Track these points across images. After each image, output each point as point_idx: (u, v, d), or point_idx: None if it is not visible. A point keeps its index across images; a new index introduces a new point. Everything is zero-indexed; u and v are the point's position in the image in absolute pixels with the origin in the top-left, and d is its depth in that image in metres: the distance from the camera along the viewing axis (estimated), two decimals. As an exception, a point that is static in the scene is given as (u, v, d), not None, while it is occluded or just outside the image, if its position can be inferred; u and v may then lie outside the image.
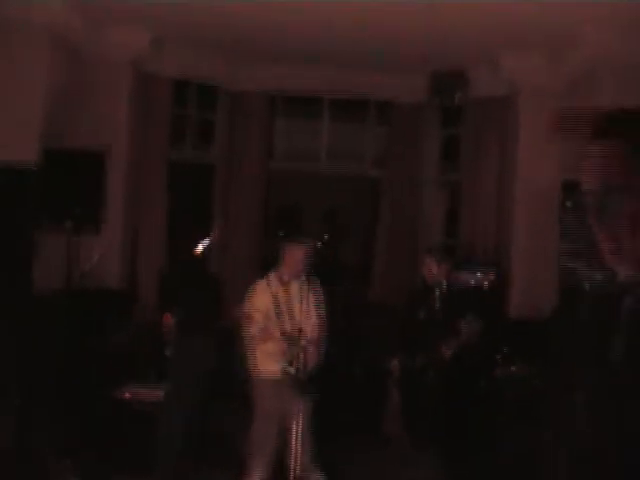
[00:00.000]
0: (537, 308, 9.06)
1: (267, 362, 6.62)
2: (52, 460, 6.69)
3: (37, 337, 7.18)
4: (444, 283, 7.97)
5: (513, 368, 8.19)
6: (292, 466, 6.18)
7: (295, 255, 6.66)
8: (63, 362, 7.35)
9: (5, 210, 7.15)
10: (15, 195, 7.35)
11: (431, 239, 10.96)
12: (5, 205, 7.16)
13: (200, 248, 10.67)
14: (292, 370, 6.42)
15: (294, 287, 6.70)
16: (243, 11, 8.47)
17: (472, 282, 9.43)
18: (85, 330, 7.92)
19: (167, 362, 7.23)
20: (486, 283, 9.50)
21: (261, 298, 6.64)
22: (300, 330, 6.45)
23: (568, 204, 7.27)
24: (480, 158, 10.48)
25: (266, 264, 10.97)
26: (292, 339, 6.51)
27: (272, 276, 6.70)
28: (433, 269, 7.92)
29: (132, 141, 9.75)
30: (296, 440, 6.18)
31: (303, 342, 6.55)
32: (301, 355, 6.51)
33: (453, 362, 7.59)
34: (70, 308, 7.63)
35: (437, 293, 7.88)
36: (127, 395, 7.97)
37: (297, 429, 6.24)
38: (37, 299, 7.60)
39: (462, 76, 10.19)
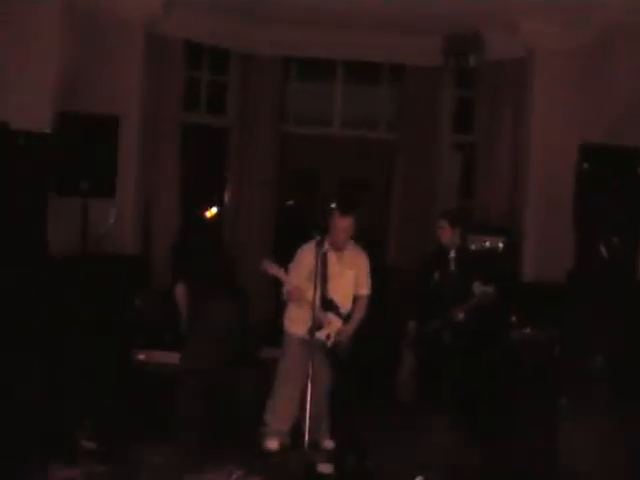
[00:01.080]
0: (551, 271, 9.04)
1: (299, 323, 6.79)
2: (71, 424, 6.73)
3: (53, 301, 7.19)
4: (458, 246, 7.98)
5: (527, 330, 8.19)
6: (307, 430, 6.19)
7: (342, 227, 6.85)
8: (79, 327, 7.37)
9: (20, 174, 7.13)
10: (30, 158, 7.34)
11: (446, 202, 10.94)
12: (20, 169, 7.15)
13: (212, 212, 10.74)
14: (322, 338, 6.50)
15: (344, 255, 6.93)
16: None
17: (487, 245, 9.41)
18: (100, 295, 7.94)
19: (182, 328, 7.24)
20: (501, 246, 9.49)
21: (308, 258, 6.65)
22: (334, 302, 6.73)
23: (585, 166, 7.21)
24: (495, 120, 10.43)
25: (279, 229, 11.10)
26: (330, 306, 6.73)
27: (321, 241, 6.60)
28: (447, 232, 7.92)
29: (145, 104, 9.72)
30: (313, 405, 6.19)
31: (340, 312, 6.68)
32: (334, 324, 6.61)
33: (467, 325, 7.60)
34: (85, 273, 7.64)
35: (452, 256, 7.89)
36: (141, 356, 8.01)
37: (317, 394, 6.27)
38: (52, 263, 7.61)
39: (477, 38, 10.11)
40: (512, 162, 10.21)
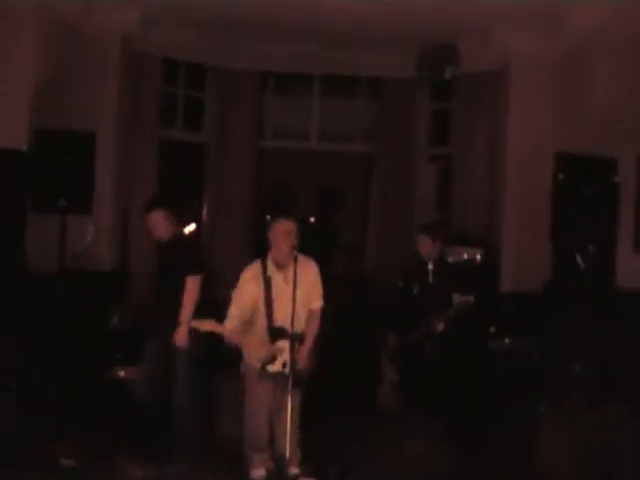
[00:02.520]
0: (529, 282, 9.09)
1: (255, 353, 6.42)
2: (50, 442, 6.68)
3: (31, 319, 7.17)
4: (437, 258, 8.00)
5: (506, 340, 8.22)
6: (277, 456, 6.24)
7: (282, 230, 6.38)
8: (57, 344, 7.33)
9: (-3, 191, 7.13)
10: (6, 176, 7.32)
11: (423, 214, 10.97)
12: (-4, 186, 7.15)
13: (190, 228, 10.72)
14: (279, 369, 6.27)
15: (290, 272, 6.36)
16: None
17: (464, 256, 9.45)
18: (78, 312, 7.91)
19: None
20: (478, 257, 9.52)
21: (250, 286, 6.41)
22: (288, 325, 6.28)
23: (560, 176, 7.27)
24: (471, 132, 10.51)
25: (257, 244, 11.08)
26: (278, 333, 6.32)
27: (265, 260, 6.45)
28: (428, 246, 7.93)
29: (122, 120, 9.72)
30: (283, 432, 6.12)
31: (294, 336, 6.38)
32: (289, 350, 6.35)
33: (446, 335, 7.62)
34: (63, 289, 7.61)
35: (430, 268, 7.91)
36: (121, 373, 7.98)
37: (285, 421, 6.13)
38: (31, 280, 7.58)
39: (452, 50, 10.16)
40: (488, 174, 10.28)
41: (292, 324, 6.27)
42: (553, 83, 9.49)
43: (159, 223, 7.02)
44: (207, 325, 6.32)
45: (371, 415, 8.09)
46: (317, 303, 6.59)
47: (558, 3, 8.33)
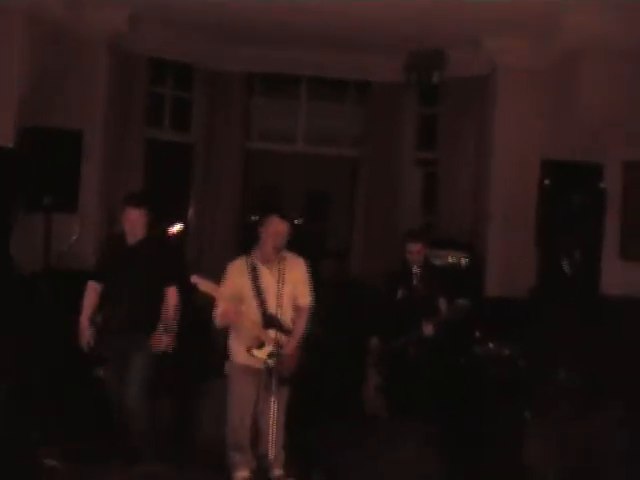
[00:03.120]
0: (514, 287, 9.11)
1: (239, 348, 6.41)
2: (36, 444, 6.64)
3: (17, 318, 7.13)
4: (422, 262, 8.00)
5: (491, 345, 8.23)
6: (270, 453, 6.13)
7: (275, 229, 6.35)
8: (43, 343, 7.30)
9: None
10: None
11: (409, 218, 10.96)
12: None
13: (177, 228, 10.69)
14: (269, 361, 6.20)
15: (276, 267, 6.34)
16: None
17: (449, 260, 9.46)
18: (62, 310, 7.87)
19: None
20: (464, 261, 9.53)
21: (237, 277, 6.39)
22: (275, 317, 6.27)
23: (547, 182, 7.30)
24: (457, 137, 10.54)
25: (244, 244, 11.07)
26: (271, 321, 6.27)
27: (252, 254, 6.44)
28: (414, 251, 7.91)
29: (109, 120, 9.70)
30: (268, 430, 6.06)
31: (284, 329, 6.38)
32: (277, 343, 6.32)
33: (435, 339, 7.62)
34: (48, 288, 7.59)
35: (415, 271, 7.89)
36: (100, 372, 7.93)
37: (270, 419, 6.05)
38: (16, 279, 7.56)
39: (440, 55, 10.18)
40: (475, 178, 10.30)
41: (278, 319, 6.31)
42: (540, 89, 9.52)
43: (139, 222, 6.72)
44: (208, 286, 6.21)
45: (357, 419, 8.08)
46: (305, 300, 6.56)
47: (546, 10, 8.34)
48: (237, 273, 6.43)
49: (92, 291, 6.80)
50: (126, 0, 9.06)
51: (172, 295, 6.77)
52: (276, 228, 6.37)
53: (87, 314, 6.73)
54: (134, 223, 6.70)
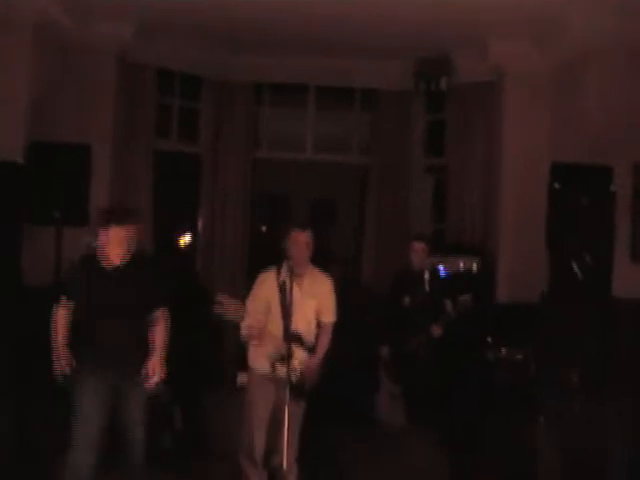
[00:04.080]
0: (525, 291, 9.08)
1: (261, 358, 6.35)
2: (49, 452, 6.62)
3: (29, 330, 7.14)
4: (431, 268, 8.01)
5: (503, 350, 8.22)
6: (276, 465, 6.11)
7: (299, 242, 6.34)
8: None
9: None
10: (1, 188, 7.32)
11: (419, 224, 10.96)
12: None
13: (186, 239, 10.71)
14: (291, 375, 6.16)
15: (304, 282, 6.39)
16: (227, 1, 8.46)
17: (461, 266, 9.45)
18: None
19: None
20: (475, 267, 9.52)
21: (266, 289, 6.36)
22: (298, 335, 6.29)
23: (556, 185, 7.28)
24: (466, 143, 10.52)
25: (252, 254, 11.08)
26: (293, 337, 6.21)
27: (282, 268, 6.35)
28: (422, 254, 7.93)
29: (118, 131, 9.73)
30: (283, 441, 6.01)
31: (305, 345, 6.38)
32: (298, 356, 6.32)
33: (443, 344, 7.62)
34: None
35: (426, 277, 7.91)
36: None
37: (286, 432, 5.92)
38: (27, 292, 7.56)
39: (447, 61, 10.20)
40: (484, 184, 10.28)
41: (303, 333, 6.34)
42: (548, 93, 9.51)
43: (131, 239, 5.94)
44: (231, 307, 5.92)
45: (369, 427, 8.07)
46: (330, 318, 6.57)
47: (551, 13, 8.33)
48: (267, 284, 6.39)
49: (65, 310, 5.85)
50: (133, 12, 9.07)
51: (163, 318, 6.01)
52: (300, 239, 6.36)
53: (62, 338, 5.84)
54: (125, 241, 5.88)
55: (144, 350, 5.91)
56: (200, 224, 11.20)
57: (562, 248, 7.38)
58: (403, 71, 10.52)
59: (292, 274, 6.24)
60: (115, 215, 5.92)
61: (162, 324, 6.00)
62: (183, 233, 11.20)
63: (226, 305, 5.92)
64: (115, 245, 5.87)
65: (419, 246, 7.98)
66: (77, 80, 9.14)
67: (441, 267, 9.10)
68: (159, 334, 5.96)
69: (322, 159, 11.55)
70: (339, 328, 6.61)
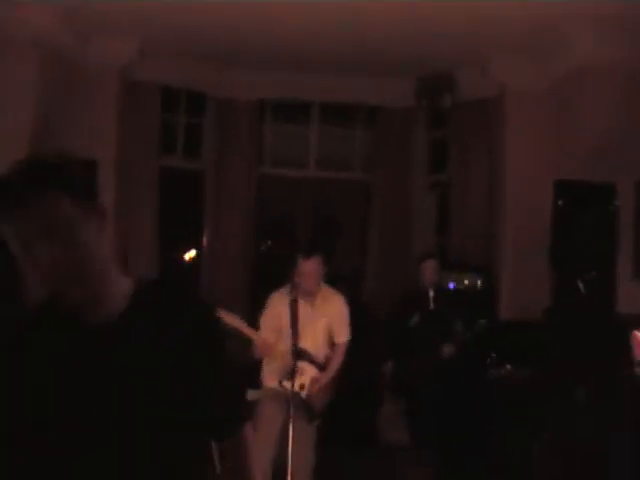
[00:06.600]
0: (529, 309, 9.07)
1: (272, 374, 6.42)
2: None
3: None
4: (437, 285, 8.01)
5: (508, 367, 8.21)
6: None
7: (308, 271, 6.34)
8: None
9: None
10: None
11: (423, 242, 10.97)
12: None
13: (191, 254, 10.71)
14: (296, 389, 6.13)
15: (315, 302, 6.44)
16: (230, 18, 8.49)
17: (465, 283, 9.45)
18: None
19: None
20: (479, 284, 9.52)
21: (278, 307, 6.40)
22: (307, 351, 6.31)
23: (560, 202, 7.30)
24: (468, 160, 10.53)
25: (257, 270, 11.09)
26: (301, 355, 6.25)
27: (292, 287, 6.37)
28: (432, 271, 7.93)
29: (122, 149, 9.75)
30: (292, 462, 5.94)
31: (314, 360, 6.37)
32: (308, 373, 6.31)
33: (450, 361, 7.61)
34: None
35: (431, 295, 7.91)
36: None
37: (290, 448, 5.97)
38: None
39: (449, 79, 10.23)
40: (487, 200, 10.29)
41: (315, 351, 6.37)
42: (550, 109, 9.50)
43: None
44: (230, 319, 6.01)
45: (373, 447, 8.05)
46: (343, 337, 6.60)
47: (551, 29, 8.36)
48: (278, 302, 6.43)
49: None
50: (136, 29, 9.10)
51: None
52: (305, 270, 6.35)
53: None
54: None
55: None
56: (204, 240, 11.21)
57: (565, 265, 7.39)
58: (405, 88, 10.55)
59: (303, 293, 6.28)
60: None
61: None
62: (188, 249, 11.20)
63: (226, 316, 5.93)
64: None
65: (431, 263, 7.96)
66: (81, 97, 9.16)
67: (451, 284, 9.11)
68: None
69: (325, 176, 11.58)
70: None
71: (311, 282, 6.37)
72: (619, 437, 6.13)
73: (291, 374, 6.16)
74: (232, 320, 6.06)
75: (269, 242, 11.86)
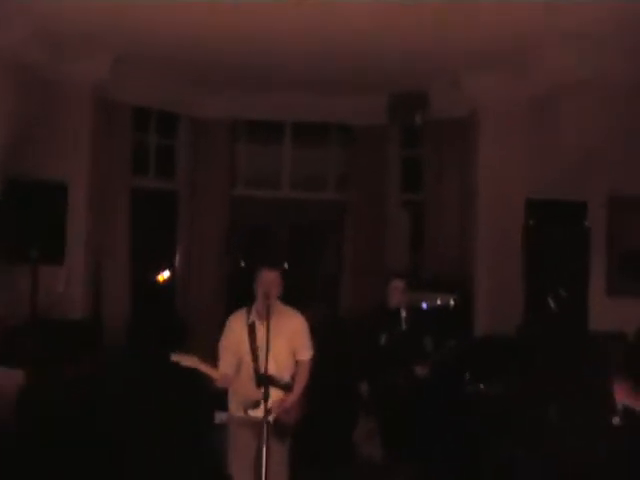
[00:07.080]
0: (502, 326, 9.10)
1: (237, 402, 6.33)
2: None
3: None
4: (408, 305, 7.99)
5: (482, 386, 8.21)
6: None
7: (264, 279, 6.22)
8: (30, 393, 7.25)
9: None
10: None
11: (396, 260, 10.97)
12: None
13: (164, 276, 10.68)
14: (269, 418, 6.08)
15: (271, 322, 6.09)
16: (202, 38, 8.50)
17: (438, 302, 9.45)
18: (50, 361, 7.84)
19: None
20: (452, 302, 9.53)
21: (235, 332, 6.29)
22: (269, 375, 6.22)
23: (531, 221, 7.34)
24: (442, 178, 10.56)
25: (231, 291, 11.06)
26: (264, 380, 6.05)
27: (251, 309, 6.30)
28: (400, 293, 7.92)
29: (94, 169, 9.67)
30: None
31: (280, 385, 6.31)
32: (274, 398, 6.25)
33: (429, 380, 7.60)
34: (35, 339, 7.55)
35: (403, 315, 7.90)
36: None
37: (272, 472, 5.89)
38: (2, 331, 7.53)
39: (421, 97, 10.26)
40: (461, 218, 10.31)
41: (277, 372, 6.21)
42: (523, 127, 9.53)
43: None
44: (188, 361, 5.97)
45: (349, 465, 8.02)
46: (305, 354, 6.49)
47: (524, 47, 8.41)
48: (235, 327, 6.32)
49: None
50: (109, 49, 9.08)
51: None
52: (265, 278, 6.25)
53: None
54: None
55: None
56: (177, 261, 11.18)
57: (538, 282, 7.43)
58: (378, 106, 10.57)
59: (259, 314, 6.24)
60: None
61: None
62: (161, 270, 11.16)
63: (181, 359, 5.92)
64: None
65: (398, 284, 7.94)
66: (53, 117, 9.11)
67: (425, 304, 9.11)
68: None
69: (299, 196, 11.57)
70: (317, 365, 6.55)
71: (267, 293, 6.19)
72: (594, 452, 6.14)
73: (256, 404, 6.14)
74: (188, 361, 5.99)
75: (242, 262, 11.82)
